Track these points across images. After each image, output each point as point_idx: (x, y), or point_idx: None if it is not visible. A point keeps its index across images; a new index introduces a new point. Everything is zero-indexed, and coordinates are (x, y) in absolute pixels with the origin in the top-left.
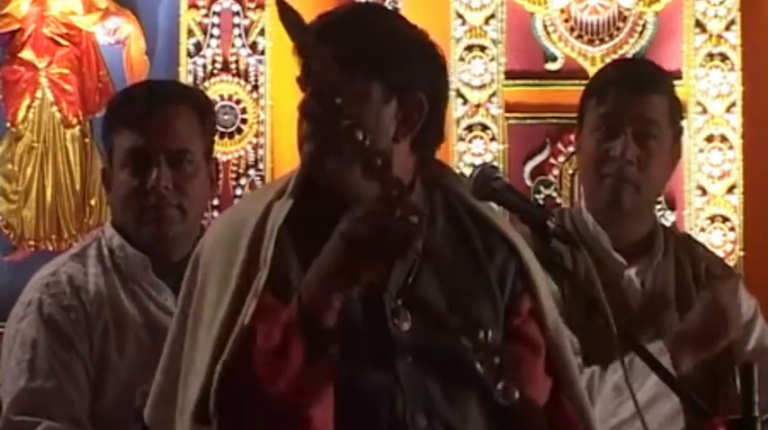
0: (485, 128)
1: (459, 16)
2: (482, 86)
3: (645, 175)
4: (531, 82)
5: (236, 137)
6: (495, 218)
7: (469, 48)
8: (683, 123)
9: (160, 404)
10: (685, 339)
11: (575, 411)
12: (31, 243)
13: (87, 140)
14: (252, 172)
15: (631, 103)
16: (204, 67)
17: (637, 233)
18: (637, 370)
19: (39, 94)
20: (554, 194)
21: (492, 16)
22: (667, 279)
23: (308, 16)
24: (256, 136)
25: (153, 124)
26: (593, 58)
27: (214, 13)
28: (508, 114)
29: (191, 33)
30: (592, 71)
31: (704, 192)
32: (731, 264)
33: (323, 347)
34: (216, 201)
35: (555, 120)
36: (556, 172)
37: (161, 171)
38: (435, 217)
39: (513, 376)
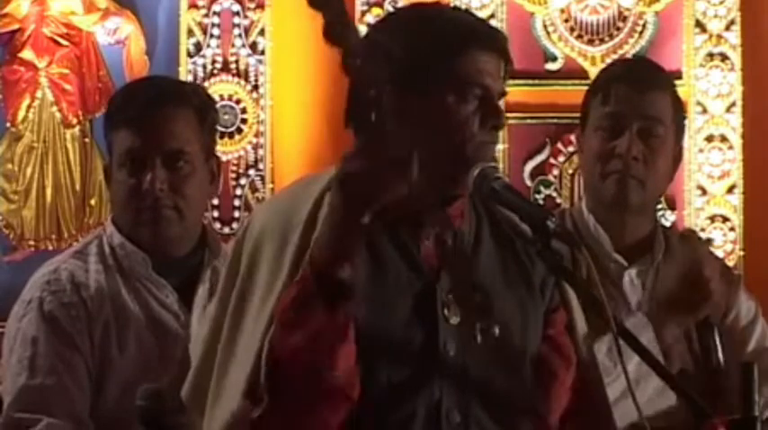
0: None
1: None
2: None
3: (650, 172)
4: (531, 82)
5: (236, 137)
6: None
7: None
8: (685, 123)
9: (198, 384)
10: (666, 305)
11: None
12: (31, 243)
13: (87, 140)
14: (252, 172)
15: (636, 101)
16: (204, 67)
17: (638, 234)
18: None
19: (39, 94)
20: (554, 194)
21: (492, 16)
22: (668, 280)
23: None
24: (256, 136)
25: (149, 125)
26: (593, 58)
27: (214, 13)
28: (508, 114)
29: (191, 33)
30: (592, 71)
31: (704, 192)
32: (731, 264)
33: (336, 298)
34: (216, 201)
35: (555, 120)
36: (556, 172)
37: (155, 173)
38: (481, 229)
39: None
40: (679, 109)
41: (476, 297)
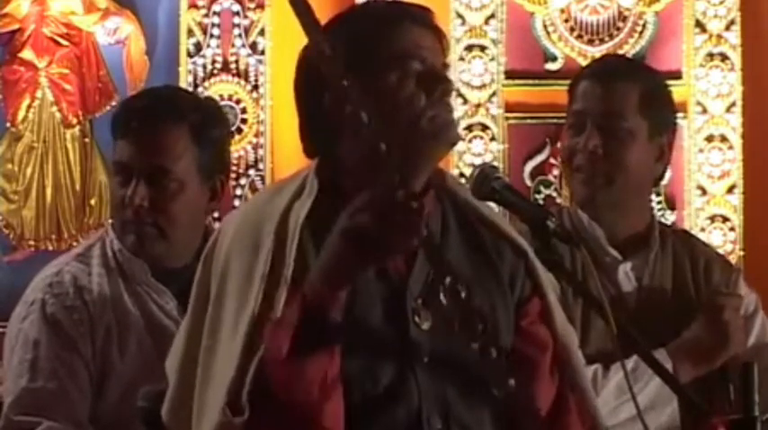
0: (485, 128)
1: (459, 16)
2: (482, 86)
3: (615, 166)
4: (531, 82)
5: (236, 137)
6: (500, 220)
7: (469, 48)
8: (671, 116)
9: (178, 405)
10: (685, 352)
11: (583, 412)
12: (31, 243)
13: (87, 140)
14: (252, 172)
15: (595, 96)
16: (204, 67)
17: (631, 228)
18: (640, 372)
19: (39, 93)
20: (554, 194)
21: (492, 16)
22: (664, 275)
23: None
24: (256, 136)
25: (137, 139)
26: (593, 58)
27: (214, 13)
28: (508, 114)
29: (191, 33)
30: None
31: (704, 192)
32: None
33: (329, 343)
34: None
35: (555, 121)
36: (556, 172)
37: (136, 188)
38: (448, 222)
39: (510, 370)
40: (653, 101)
41: (460, 291)
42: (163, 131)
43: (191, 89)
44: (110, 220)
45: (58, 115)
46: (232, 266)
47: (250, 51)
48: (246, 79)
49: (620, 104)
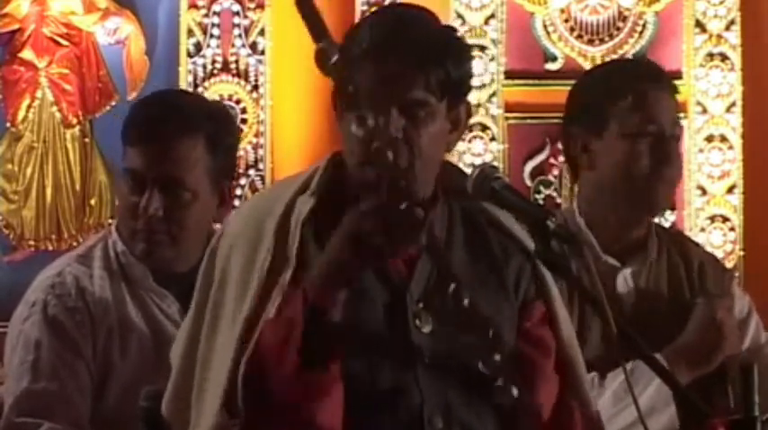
0: (485, 128)
1: (459, 16)
2: (482, 86)
3: (677, 172)
4: (531, 82)
5: None
6: (510, 223)
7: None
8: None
9: (176, 398)
10: (681, 355)
11: (583, 417)
12: (31, 243)
13: (87, 140)
14: (252, 172)
15: (666, 106)
16: (204, 67)
17: (635, 233)
18: (637, 377)
19: (39, 93)
20: (554, 194)
21: (492, 16)
22: (660, 278)
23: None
24: (256, 136)
25: (151, 149)
26: (593, 58)
27: (214, 13)
28: (508, 114)
29: (191, 33)
30: None
31: (704, 192)
32: (731, 264)
33: (329, 344)
34: None
35: (555, 121)
36: (556, 172)
37: (151, 197)
38: (454, 224)
39: (513, 376)
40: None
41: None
42: (178, 142)
43: (191, 89)
44: (109, 221)
45: (58, 115)
46: (233, 260)
47: (250, 51)
48: (246, 79)
49: (677, 115)
